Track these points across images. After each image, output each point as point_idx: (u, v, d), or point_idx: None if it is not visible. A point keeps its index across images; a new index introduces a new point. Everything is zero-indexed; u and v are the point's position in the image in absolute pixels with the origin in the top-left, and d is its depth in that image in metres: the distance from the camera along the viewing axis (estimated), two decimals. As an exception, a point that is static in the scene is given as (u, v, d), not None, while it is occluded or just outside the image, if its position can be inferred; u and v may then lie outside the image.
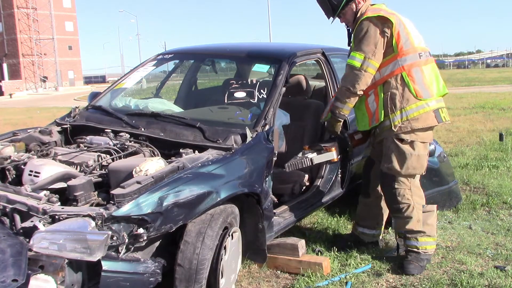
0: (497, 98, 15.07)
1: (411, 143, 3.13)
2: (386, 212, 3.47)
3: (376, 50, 3.07)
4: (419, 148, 3.15)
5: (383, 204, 3.44)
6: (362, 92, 3.13)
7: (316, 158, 3.18)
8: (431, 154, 3.95)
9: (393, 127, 3.11)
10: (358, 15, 3.21)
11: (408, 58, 3.10)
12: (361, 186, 3.62)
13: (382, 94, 3.13)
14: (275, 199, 3.24)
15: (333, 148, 3.22)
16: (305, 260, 3.15)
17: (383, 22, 3.09)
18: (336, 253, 3.39)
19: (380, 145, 3.31)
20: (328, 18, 3.33)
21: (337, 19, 3.33)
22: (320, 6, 3.31)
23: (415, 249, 3.20)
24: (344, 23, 3.36)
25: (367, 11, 3.17)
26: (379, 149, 3.33)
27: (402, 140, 3.13)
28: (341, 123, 3.32)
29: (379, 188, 3.41)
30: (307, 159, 3.15)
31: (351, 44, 3.26)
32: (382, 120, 3.13)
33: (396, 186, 3.18)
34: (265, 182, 2.91)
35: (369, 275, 3.09)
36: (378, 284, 3.00)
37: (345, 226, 3.94)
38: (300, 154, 3.25)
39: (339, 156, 3.33)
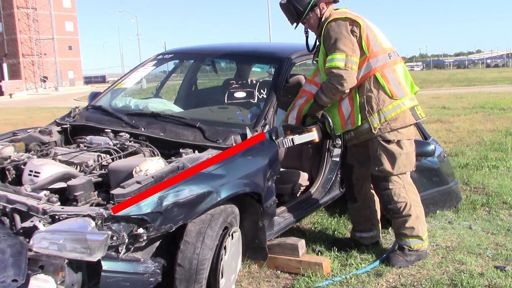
0: (497, 98, 15.07)
1: (398, 143, 3.14)
2: (378, 211, 3.48)
3: (353, 47, 3.06)
4: (406, 146, 3.16)
5: (373, 204, 3.45)
6: (348, 91, 3.11)
7: (297, 138, 3.16)
8: (431, 154, 3.96)
9: (372, 130, 3.11)
10: (323, 19, 3.21)
11: (379, 59, 3.10)
12: (346, 193, 3.62)
13: (358, 98, 3.12)
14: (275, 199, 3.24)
15: (314, 129, 3.19)
16: (305, 260, 3.15)
17: (351, 23, 3.10)
18: (336, 253, 3.39)
19: (357, 148, 3.33)
20: (292, 24, 3.29)
21: (300, 25, 3.29)
22: (284, 13, 3.28)
23: (407, 247, 3.24)
24: (306, 29, 3.32)
25: (331, 15, 3.17)
26: (357, 152, 3.35)
27: (388, 141, 3.13)
28: (322, 109, 3.28)
29: (365, 191, 3.42)
30: (288, 139, 3.14)
31: (320, 49, 3.22)
32: (359, 124, 3.13)
33: (390, 187, 3.19)
34: (269, 181, 2.91)
35: (369, 275, 3.09)
36: (378, 284, 3.00)
37: (345, 226, 3.94)
38: (282, 137, 3.23)
39: (320, 137, 3.25)
